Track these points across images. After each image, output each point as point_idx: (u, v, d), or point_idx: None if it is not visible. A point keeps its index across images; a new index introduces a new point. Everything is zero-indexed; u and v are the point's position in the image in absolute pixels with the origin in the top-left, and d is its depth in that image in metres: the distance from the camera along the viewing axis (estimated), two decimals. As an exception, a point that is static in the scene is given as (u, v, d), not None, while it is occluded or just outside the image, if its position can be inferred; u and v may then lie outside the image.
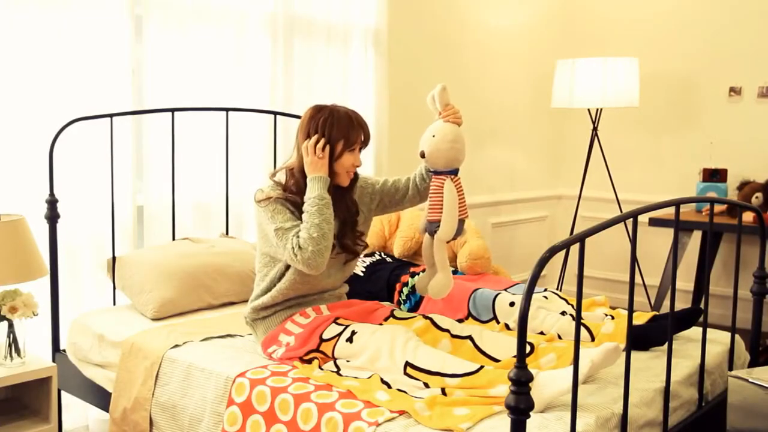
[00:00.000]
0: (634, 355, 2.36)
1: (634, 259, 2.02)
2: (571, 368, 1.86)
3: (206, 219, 3.40)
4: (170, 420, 2.38)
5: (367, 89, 4.05)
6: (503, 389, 1.96)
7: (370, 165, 4.10)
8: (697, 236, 4.79)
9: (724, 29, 4.91)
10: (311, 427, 1.99)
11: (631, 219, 1.99)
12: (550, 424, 1.85)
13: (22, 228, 2.44)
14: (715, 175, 4.79)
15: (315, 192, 2.28)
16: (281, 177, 2.43)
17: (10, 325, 2.50)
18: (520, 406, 1.59)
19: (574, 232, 5.00)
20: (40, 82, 2.84)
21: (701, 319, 2.55)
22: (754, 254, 4.45)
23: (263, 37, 3.54)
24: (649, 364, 2.36)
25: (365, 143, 2.41)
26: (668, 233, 4.80)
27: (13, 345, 2.51)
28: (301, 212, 2.31)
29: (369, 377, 2.17)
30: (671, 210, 2.36)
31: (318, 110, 2.37)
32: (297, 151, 2.40)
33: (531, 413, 1.64)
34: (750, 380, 2.12)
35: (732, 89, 4.97)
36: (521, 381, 1.59)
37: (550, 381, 1.92)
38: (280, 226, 2.30)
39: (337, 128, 2.34)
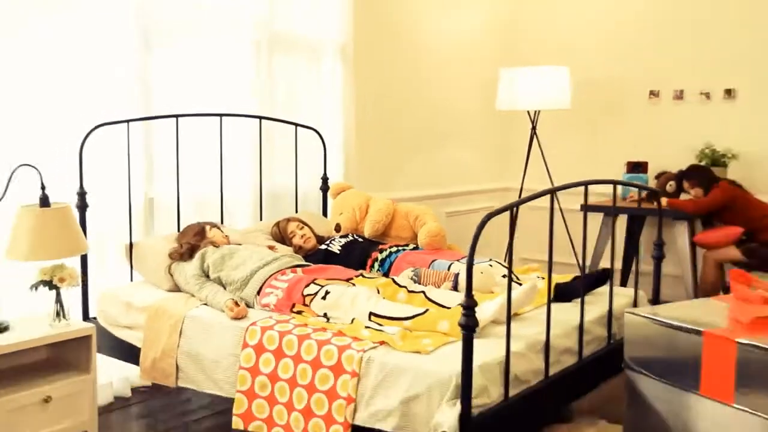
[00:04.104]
0: (559, 304, 3.03)
1: (552, 225, 2.68)
2: (500, 298, 2.53)
3: (205, 210, 3.98)
4: (194, 364, 2.97)
5: (335, 97, 4.66)
6: (446, 324, 2.62)
7: (340, 168, 4.71)
8: (623, 220, 5.53)
9: (643, 40, 5.66)
10: (312, 358, 2.60)
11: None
12: (492, 346, 2.50)
13: (67, 213, 2.99)
14: (637, 167, 5.53)
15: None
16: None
17: (58, 293, 3.05)
18: (470, 324, 2.24)
19: (517, 219, 5.72)
20: (65, 92, 3.40)
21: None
22: (671, 233, 5.20)
23: (249, 50, 4.13)
24: (569, 310, 3.02)
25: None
26: (599, 218, 5.50)
27: (60, 310, 3.06)
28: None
29: (352, 322, 2.80)
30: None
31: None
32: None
33: (476, 334, 2.29)
34: (641, 314, 2.78)
35: (651, 92, 5.72)
36: (469, 306, 2.24)
37: (486, 308, 2.59)
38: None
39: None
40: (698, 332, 2.53)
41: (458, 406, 2.25)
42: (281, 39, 4.32)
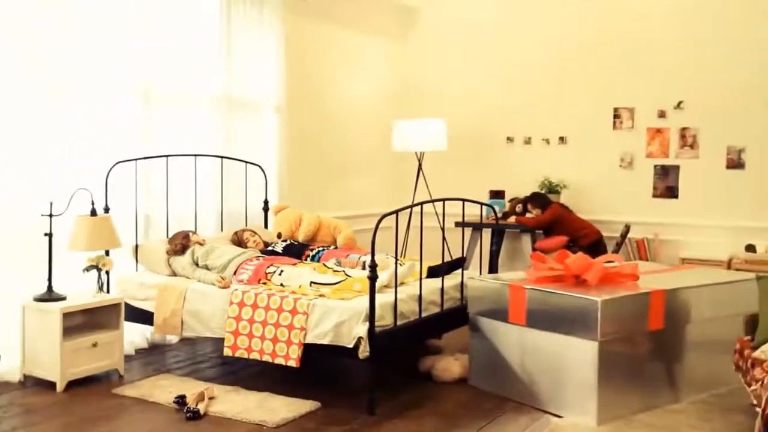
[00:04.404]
0: (430, 279, 4.73)
1: (422, 223, 4.40)
2: (390, 269, 4.24)
3: (183, 223, 5.51)
4: (195, 319, 4.53)
5: (273, 142, 6.31)
6: (359, 285, 4.29)
7: (277, 194, 6.34)
8: (488, 233, 7.37)
9: (501, 100, 7.58)
10: (277, 306, 4.21)
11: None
12: (387, 296, 4.17)
13: (109, 220, 4.52)
14: (497, 194, 7.41)
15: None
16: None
17: (99, 274, 4.54)
18: (374, 276, 3.92)
19: (409, 237, 7.46)
20: (95, 138, 4.92)
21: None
22: (519, 242, 7.06)
23: (214, 110, 5.75)
24: (436, 281, 4.73)
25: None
26: (469, 232, 7.29)
27: (100, 286, 4.55)
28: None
29: (299, 287, 4.44)
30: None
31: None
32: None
33: (377, 290, 3.97)
34: (478, 279, 4.54)
35: (508, 138, 7.63)
36: (373, 266, 3.92)
37: (382, 275, 4.26)
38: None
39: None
40: (507, 285, 4.31)
41: (367, 325, 3.92)
42: (235, 102, 5.95)
